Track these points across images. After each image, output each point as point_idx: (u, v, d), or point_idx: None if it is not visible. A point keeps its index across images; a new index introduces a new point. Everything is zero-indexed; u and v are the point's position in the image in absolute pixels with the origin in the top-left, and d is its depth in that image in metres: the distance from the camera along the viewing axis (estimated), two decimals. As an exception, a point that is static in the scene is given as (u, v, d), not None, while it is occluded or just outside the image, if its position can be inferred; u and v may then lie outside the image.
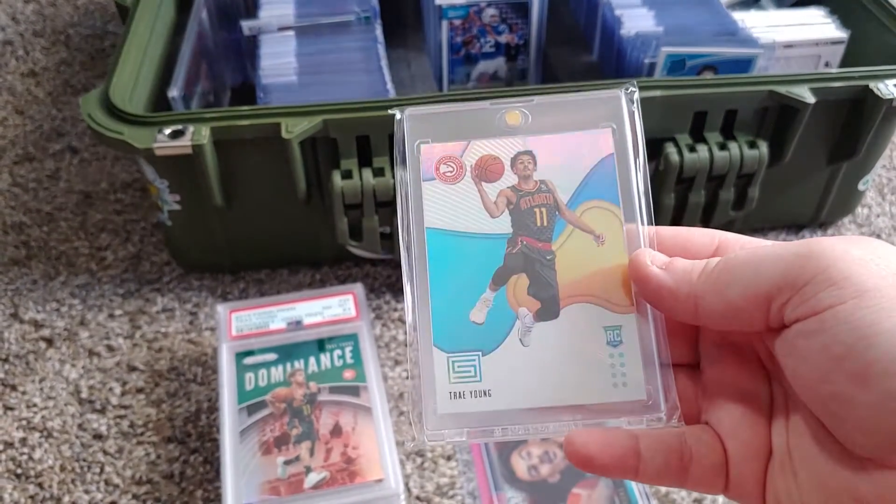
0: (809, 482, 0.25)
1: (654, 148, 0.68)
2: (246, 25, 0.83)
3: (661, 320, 0.29)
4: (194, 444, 0.62)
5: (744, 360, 0.29)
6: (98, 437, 0.63)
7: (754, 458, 0.27)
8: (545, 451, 0.60)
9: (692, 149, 0.68)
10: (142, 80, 0.72)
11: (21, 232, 0.81)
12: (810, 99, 0.66)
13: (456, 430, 0.29)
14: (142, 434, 0.63)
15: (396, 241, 0.69)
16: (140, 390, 0.66)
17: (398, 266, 0.71)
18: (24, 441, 0.63)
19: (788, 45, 0.80)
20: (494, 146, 0.32)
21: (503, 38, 0.89)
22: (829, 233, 0.81)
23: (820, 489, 0.25)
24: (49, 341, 0.70)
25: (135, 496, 0.59)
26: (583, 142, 0.32)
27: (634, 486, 0.57)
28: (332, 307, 0.66)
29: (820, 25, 0.82)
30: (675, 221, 0.73)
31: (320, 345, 0.63)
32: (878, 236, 0.81)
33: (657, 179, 0.70)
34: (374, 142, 0.66)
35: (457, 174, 0.32)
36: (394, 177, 0.33)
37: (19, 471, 0.61)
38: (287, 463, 0.56)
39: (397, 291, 0.74)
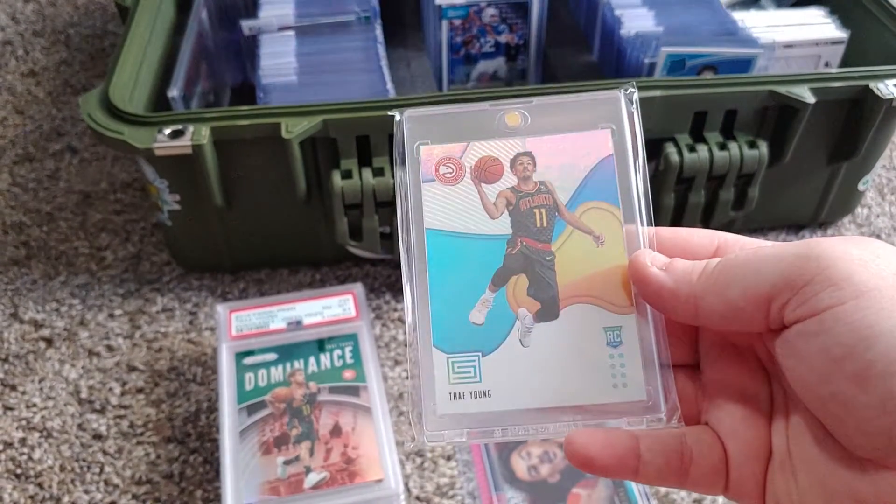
0: (809, 483, 0.25)
1: (654, 148, 0.68)
2: (246, 25, 0.83)
3: (660, 321, 0.29)
4: (194, 444, 0.62)
5: (744, 360, 0.29)
6: (98, 437, 0.63)
7: (754, 459, 0.27)
8: (545, 451, 0.60)
9: (692, 149, 0.68)
10: (142, 80, 0.72)
11: (21, 232, 0.81)
12: (810, 99, 0.66)
13: (456, 431, 0.29)
14: (141, 434, 0.63)
15: (396, 241, 0.69)
16: (140, 390, 0.66)
17: (398, 266, 0.71)
18: (23, 441, 0.63)
19: (788, 45, 0.80)
20: (494, 147, 0.32)
21: (503, 38, 0.89)
22: (829, 233, 0.81)
23: (820, 490, 0.25)
24: (49, 341, 0.70)
25: (134, 496, 0.59)
26: (582, 143, 0.32)
27: (634, 487, 0.57)
28: (332, 307, 0.66)
29: (820, 25, 0.81)
30: (675, 222, 0.73)
31: (320, 345, 0.63)
32: (878, 236, 0.81)
33: (657, 179, 0.70)
34: (373, 142, 0.66)
35: (456, 175, 0.32)
36: (393, 177, 0.33)
37: (19, 471, 0.61)
38: (287, 463, 0.56)
39: (397, 291, 0.74)
